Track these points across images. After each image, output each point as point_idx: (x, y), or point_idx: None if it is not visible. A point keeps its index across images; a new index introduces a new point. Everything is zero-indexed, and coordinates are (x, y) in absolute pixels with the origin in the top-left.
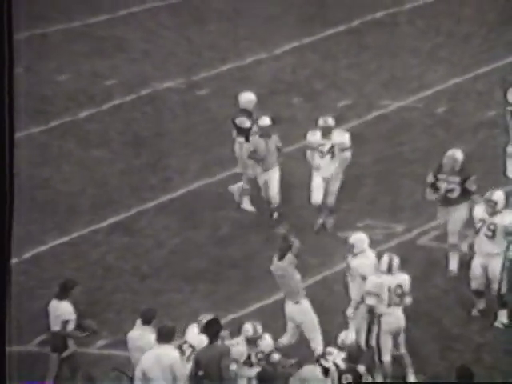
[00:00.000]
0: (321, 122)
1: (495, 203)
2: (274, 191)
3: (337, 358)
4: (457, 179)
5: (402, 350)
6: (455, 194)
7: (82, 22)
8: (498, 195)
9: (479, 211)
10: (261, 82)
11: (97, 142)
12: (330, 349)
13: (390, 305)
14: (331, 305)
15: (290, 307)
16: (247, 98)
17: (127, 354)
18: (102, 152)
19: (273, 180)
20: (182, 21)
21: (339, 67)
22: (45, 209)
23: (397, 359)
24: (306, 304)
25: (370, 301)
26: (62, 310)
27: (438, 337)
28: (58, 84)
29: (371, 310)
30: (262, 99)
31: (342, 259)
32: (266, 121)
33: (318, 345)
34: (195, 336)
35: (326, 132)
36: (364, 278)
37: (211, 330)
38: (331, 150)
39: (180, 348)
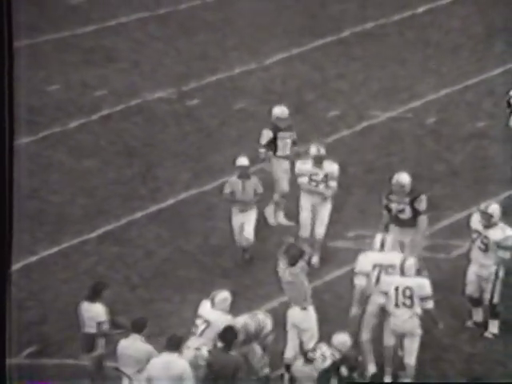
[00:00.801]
0: (313, 150)
1: (490, 216)
2: (249, 234)
3: (326, 351)
4: (406, 199)
5: (408, 360)
6: (407, 215)
7: (71, 32)
8: (494, 208)
9: (475, 222)
10: (251, 93)
11: (87, 152)
12: (320, 344)
13: (397, 305)
14: (321, 314)
15: (295, 313)
16: (274, 111)
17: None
18: (92, 162)
19: (249, 222)
20: (171, 31)
21: (329, 78)
22: (35, 219)
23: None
24: (312, 311)
25: (381, 299)
26: (96, 312)
27: (429, 346)
28: (48, 94)
29: (383, 309)
30: (252, 109)
31: (332, 269)
32: (241, 161)
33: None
34: (209, 311)
35: (318, 161)
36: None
37: (227, 337)
38: (325, 180)
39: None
